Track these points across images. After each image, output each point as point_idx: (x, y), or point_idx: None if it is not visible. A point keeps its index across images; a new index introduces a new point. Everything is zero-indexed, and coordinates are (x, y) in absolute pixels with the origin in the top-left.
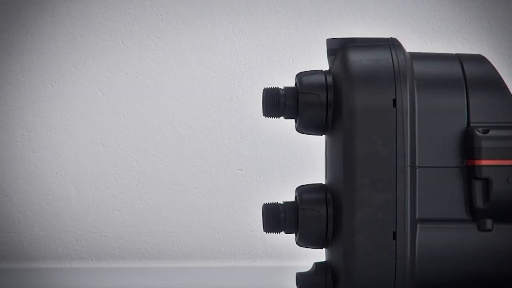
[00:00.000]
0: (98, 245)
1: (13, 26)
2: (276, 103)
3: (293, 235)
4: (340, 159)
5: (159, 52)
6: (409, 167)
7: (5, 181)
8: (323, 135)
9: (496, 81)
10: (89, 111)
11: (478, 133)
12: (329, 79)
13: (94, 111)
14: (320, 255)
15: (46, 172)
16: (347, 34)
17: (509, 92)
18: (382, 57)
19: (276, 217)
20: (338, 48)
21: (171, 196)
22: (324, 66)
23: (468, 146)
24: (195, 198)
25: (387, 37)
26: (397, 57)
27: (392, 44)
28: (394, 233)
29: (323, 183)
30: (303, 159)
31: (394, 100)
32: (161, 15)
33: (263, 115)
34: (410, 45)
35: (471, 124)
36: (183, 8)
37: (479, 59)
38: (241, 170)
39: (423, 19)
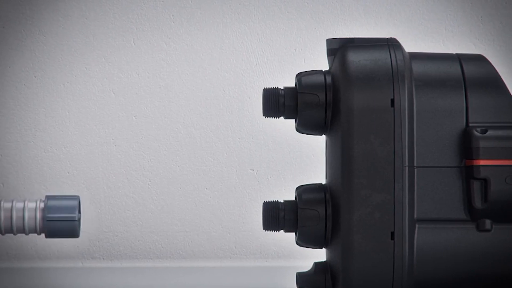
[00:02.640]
0: (110, 244)
1: (26, 27)
2: (275, 103)
3: None
4: (338, 159)
5: (171, 53)
6: (407, 167)
7: (17, 181)
8: (323, 135)
9: (495, 81)
10: (101, 111)
11: (476, 133)
12: (328, 79)
13: (106, 111)
14: None
15: (58, 171)
16: (359, 34)
17: (509, 92)
18: (381, 57)
19: (275, 216)
20: (338, 48)
21: (182, 196)
22: None
23: (466, 146)
24: (206, 198)
25: (387, 37)
26: (395, 57)
27: (391, 44)
28: (392, 233)
29: (324, 183)
30: (314, 159)
31: (392, 100)
32: (173, 16)
33: (263, 115)
34: (422, 45)
35: (470, 124)
36: (195, 8)
37: (478, 59)
38: (253, 170)
39: (435, 19)
